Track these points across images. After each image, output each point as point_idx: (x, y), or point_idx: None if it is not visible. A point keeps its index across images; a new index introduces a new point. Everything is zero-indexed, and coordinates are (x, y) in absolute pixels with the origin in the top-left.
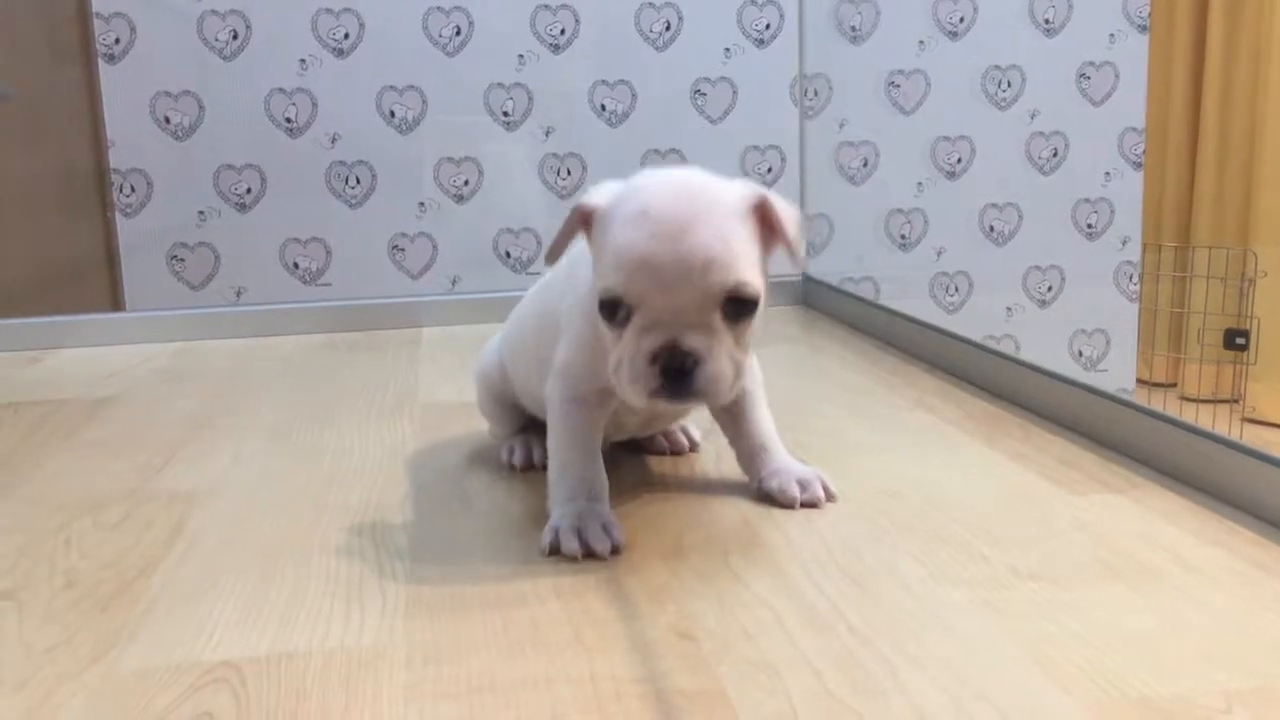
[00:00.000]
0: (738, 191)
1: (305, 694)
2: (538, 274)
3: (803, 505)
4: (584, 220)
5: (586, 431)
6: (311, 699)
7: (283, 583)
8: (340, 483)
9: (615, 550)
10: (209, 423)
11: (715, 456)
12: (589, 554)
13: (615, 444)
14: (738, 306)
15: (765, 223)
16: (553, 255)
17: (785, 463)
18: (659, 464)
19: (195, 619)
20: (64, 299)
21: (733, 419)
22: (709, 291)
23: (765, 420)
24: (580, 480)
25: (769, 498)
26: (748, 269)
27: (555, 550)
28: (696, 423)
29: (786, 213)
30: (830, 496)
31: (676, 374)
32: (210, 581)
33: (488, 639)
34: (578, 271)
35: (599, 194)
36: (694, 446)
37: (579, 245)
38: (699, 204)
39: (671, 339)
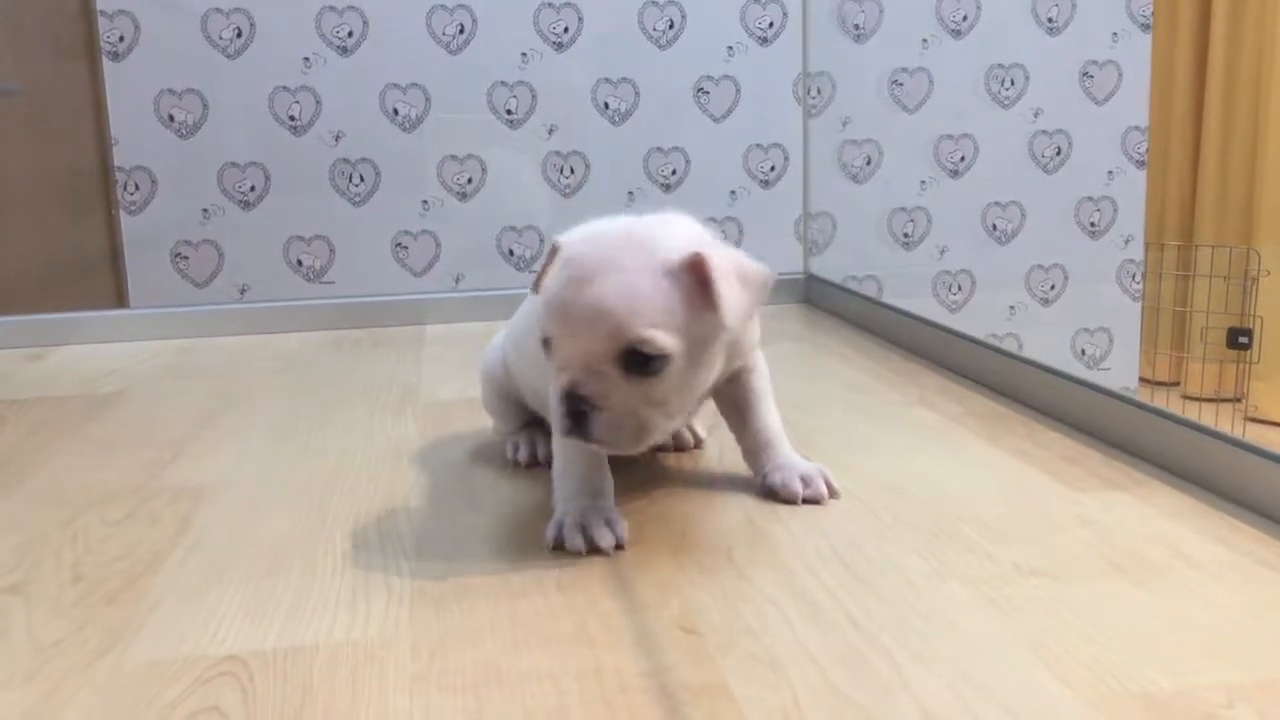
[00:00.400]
0: (674, 247)
1: (312, 687)
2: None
3: (805, 501)
4: (553, 255)
5: None
6: (318, 692)
7: (288, 577)
8: (345, 479)
9: (619, 545)
10: (213, 419)
11: (719, 453)
12: (593, 549)
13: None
14: (639, 361)
15: (704, 282)
16: (536, 286)
17: (789, 459)
18: (664, 460)
19: (201, 613)
20: (68, 296)
21: (738, 414)
22: (601, 343)
23: (770, 417)
24: (584, 477)
25: (772, 493)
26: (649, 325)
27: (559, 545)
28: (701, 418)
29: (723, 272)
30: (833, 493)
31: (577, 416)
32: (216, 576)
33: (493, 632)
34: None
35: (570, 233)
36: (698, 443)
37: None
38: (618, 256)
39: (571, 382)
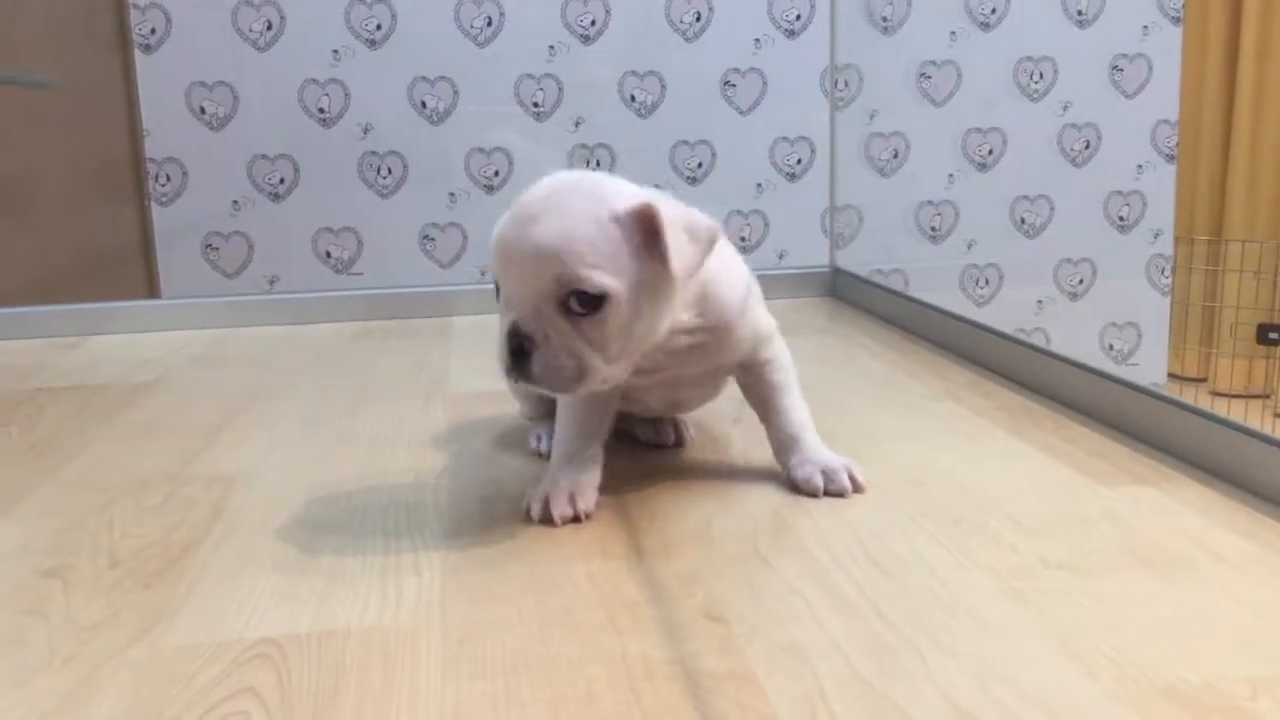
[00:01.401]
0: (623, 195)
1: (344, 670)
2: None
3: (828, 494)
4: None
5: (590, 411)
6: (350, 675)
7: (321, 563)
8: (374, 467)
9: (576, 519)
10: (245, 408)
11: (745, 446)
12: (546, 520)
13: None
14: (581, 301)
15: (653, 233)
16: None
17: (815, 452)
18: (689, 453)
19: (236, 597)
20: (101, 286)
21: (763, 405)
22: (541, 281)
23: (797, 410)
24: (570, 454)
25: (795, 487)
26: (589, 266)
27: (528, 512)
28: (722, 412)
29: (673, 223)
30: (858, 487)
31: (518, 353)
32: (250, 561)
33: (522, 619)
34: None
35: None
36: (680, 440)
37: None
38: (562, 200)
39: (512, 321)
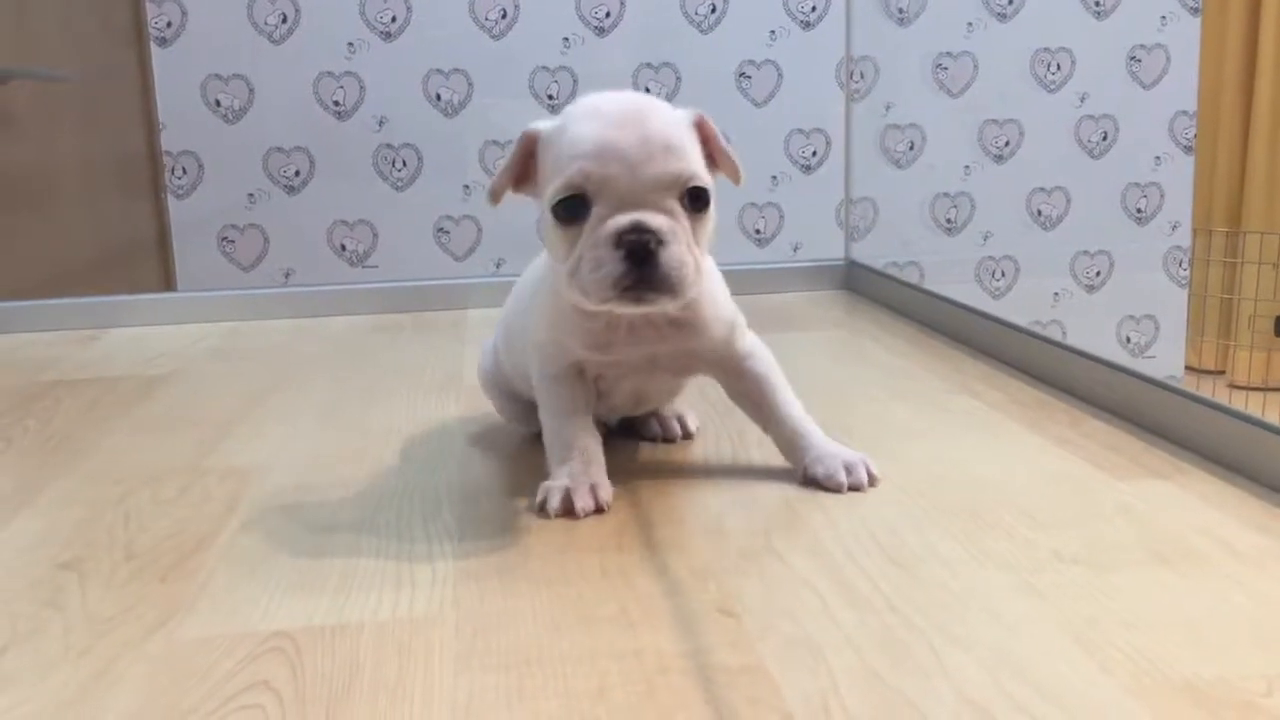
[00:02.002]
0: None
1: (358, 663)
2: None
3: (849, 489)
4: (529, 146)
5: (572, 398)
6: (364, 668)
7: (335, 556)
8: (388, 461)
9: (599, 510)
10: (260, 401)
11: (758, 440)
12: (568, 513)
13: (614, 429)
14: (694, 199)
15: (705, 143)
16: (496, 194)
17: (828, 447)
18: (702, 447)
19: (251, 590)
20: (118, 279)
21: (755, 406)
22: (668, 174)
23: (793, 404)
24: (569, 444)
25: (815, 483)
26: (700, 164)
27: (543, 509)
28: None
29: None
30: (873, 480)
31: (642, 255)
32: (265, 554)
33: (535, 613)
34: (540, 281)
35: (539, 122)
36: (687, 434)
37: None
38: (649, 105)
39: (637, 218)
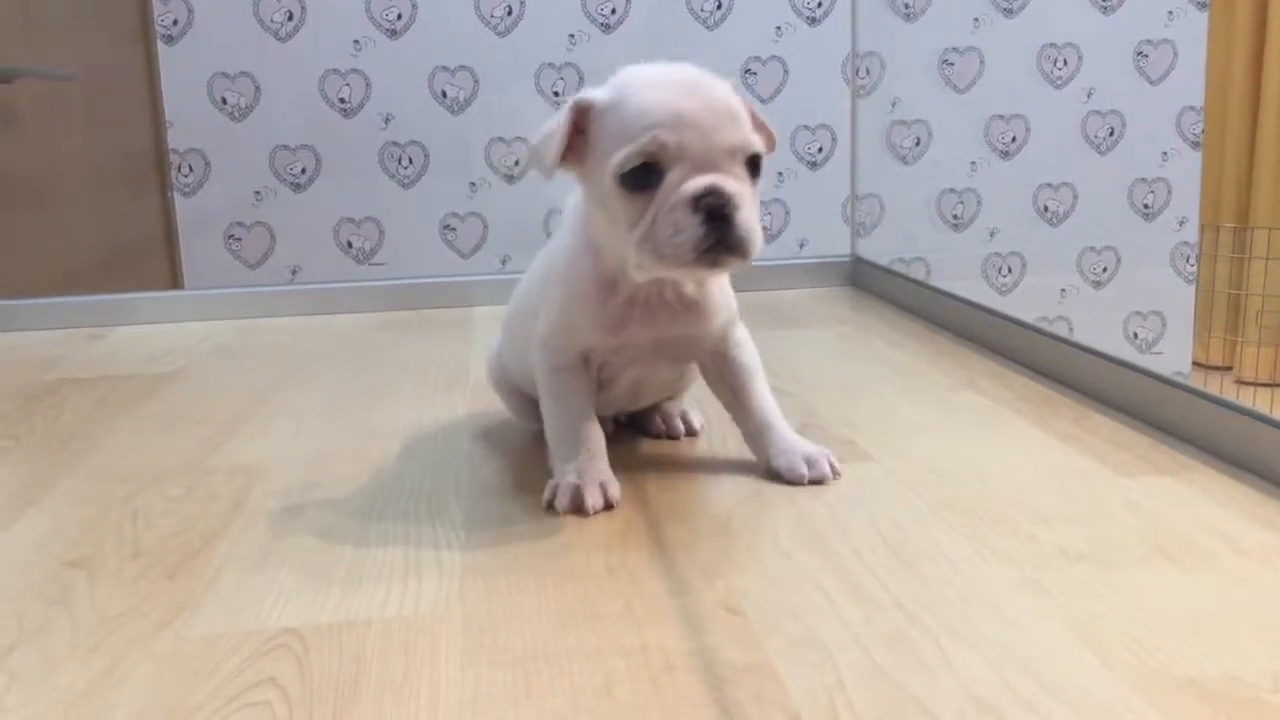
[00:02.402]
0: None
1: (365, 660)
2: None
3: (811, 483)
4: (580, 116)
5: (576, 392)
6: (371, 665)
7: (342, 553)
8: (395, 458)
9: (609, 506)
10: (267, 399)
11: None
12: (579, 510)
13: (621, 425)
14: (752, 166)
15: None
16: (548, 158)
17: (792, 441)
18: (708, 444)
19: (258, 588)
20: (125, 277)
21: (734, 394)
22: (737, 140)
23: (767, 397)
24: (575, 440)
25: (777, 476)
26: (754, 134)
27: (551, 506)
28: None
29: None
30: (836, 473)
31: (721, 218)
32: (272, 552)
33: (541, 610)
34: (553, 252)
35: (590, 92)
36: (691, 431)
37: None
38: (704, 74)
39: (714, 182)
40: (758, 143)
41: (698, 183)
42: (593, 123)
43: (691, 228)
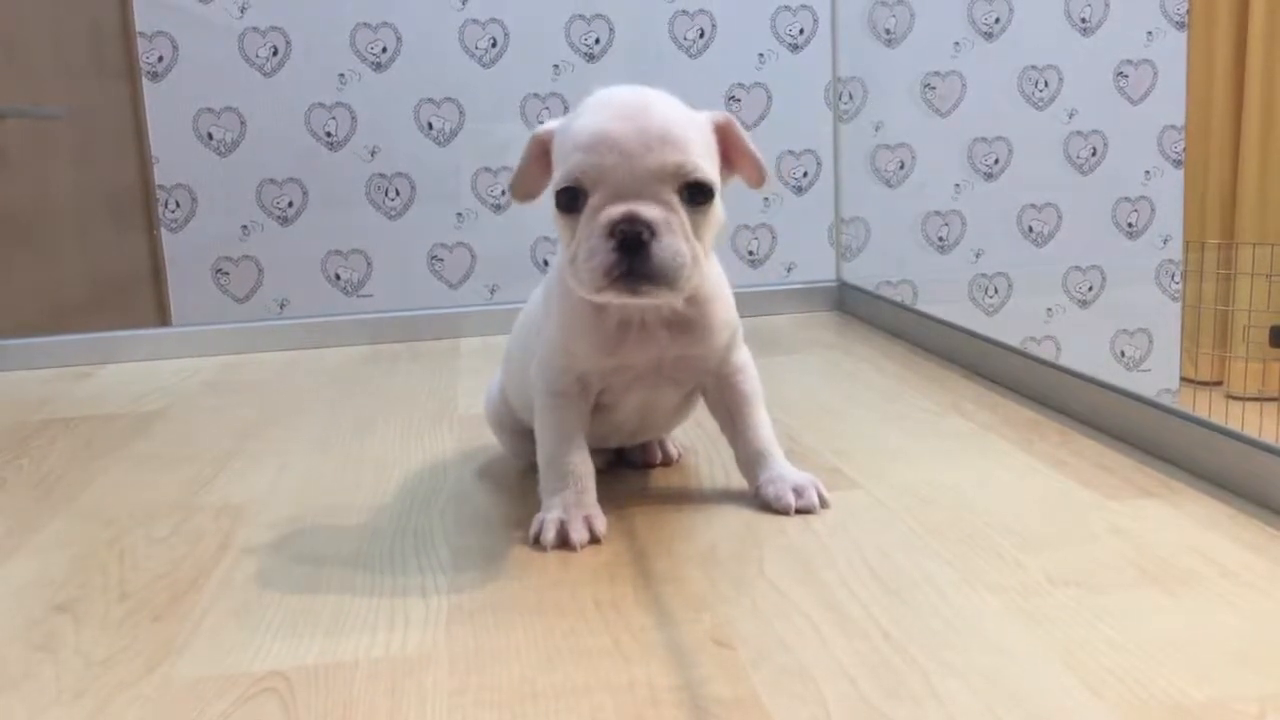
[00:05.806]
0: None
1: (352, 702)
2: None
3: (798, 512)
4: (541, 146)
5: (570, 422)
6: (358, 707)
7: (328, 593)
8: (383, 494)
9: (594, 541)
10: (255, 435)
11: None
12: (564, 544)
13: (606, 456)
14: (694, 192)
15: (727, 144)
16: (518, 189)
17: (783, 470)
18: (694, 474)
19: (245, 629)
20: (112, 314)
21: (731, 418)
22: (665, 165)
23: (765, 425)
24: (565, 472)
25: (765, 505)
26: (704, 159)
27: (537, 540)
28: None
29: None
30: (824, 503)
31: (634, 246)
32: (258, 592)
33: (528, 648)
34: (550, 275)
35: (551, 122)
36: (668, 460)
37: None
38: (658, 100)
39: (629, 209)
40: (699, 168)
41: (614, 210)
42: (553, 147)
43: (603, 253)
